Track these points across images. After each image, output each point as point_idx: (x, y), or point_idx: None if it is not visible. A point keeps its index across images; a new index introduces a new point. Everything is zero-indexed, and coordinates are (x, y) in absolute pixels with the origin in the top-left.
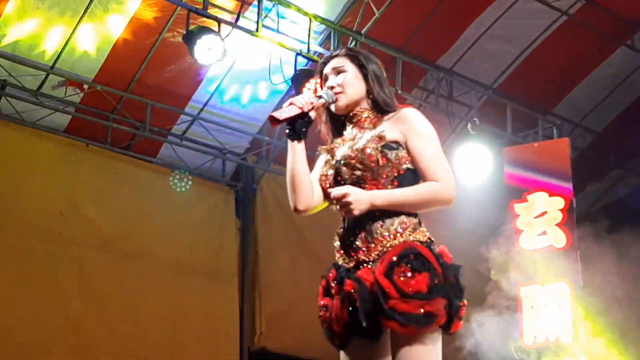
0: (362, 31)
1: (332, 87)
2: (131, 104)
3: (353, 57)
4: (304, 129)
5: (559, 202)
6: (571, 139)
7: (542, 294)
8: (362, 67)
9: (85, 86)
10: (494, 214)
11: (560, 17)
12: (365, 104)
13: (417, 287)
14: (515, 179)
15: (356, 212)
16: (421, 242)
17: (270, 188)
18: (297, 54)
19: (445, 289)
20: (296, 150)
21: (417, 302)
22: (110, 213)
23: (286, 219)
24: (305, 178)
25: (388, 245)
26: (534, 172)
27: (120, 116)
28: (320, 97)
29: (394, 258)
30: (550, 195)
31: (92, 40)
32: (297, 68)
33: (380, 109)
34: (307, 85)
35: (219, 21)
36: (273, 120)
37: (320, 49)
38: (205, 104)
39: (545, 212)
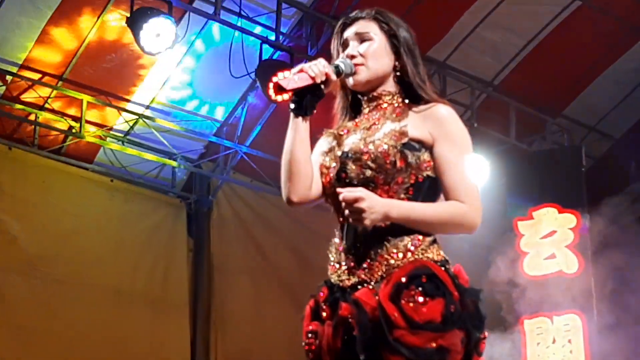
0: (340, 16)
1: (352, 56)
2: (63, 99)
3: (382, 22)
4: (312, 104)
5: (570, 220)
6: (584, 145)
7: (549, 328)
8: (392, 37)
9: (8, 77)
10: (493, 234)
11: (573, 2)
12: (390, 85)
13: (430, 315)
14: (519, 192)
15: (367, 223)
16: (435, 262)
17: (229, 201)
18: (262, 42)
19: (462, 318)
20: (299, 129)
21: (428, 334)
22: (37, 230)
23: (247, 238)
24: (304, 165)
25: (395, 265)
26: (541, 184)
27: (50, 113)
28: (336, 66)
29: (403, 279)
30: (559, 212)
31: None
32: (263, 58)
33: (409, 95)
34: (274, 78)
35: (170, 2)
36: (278, 88)
37: (289, 37)
38: (152, 101)
39: (554, 232)
